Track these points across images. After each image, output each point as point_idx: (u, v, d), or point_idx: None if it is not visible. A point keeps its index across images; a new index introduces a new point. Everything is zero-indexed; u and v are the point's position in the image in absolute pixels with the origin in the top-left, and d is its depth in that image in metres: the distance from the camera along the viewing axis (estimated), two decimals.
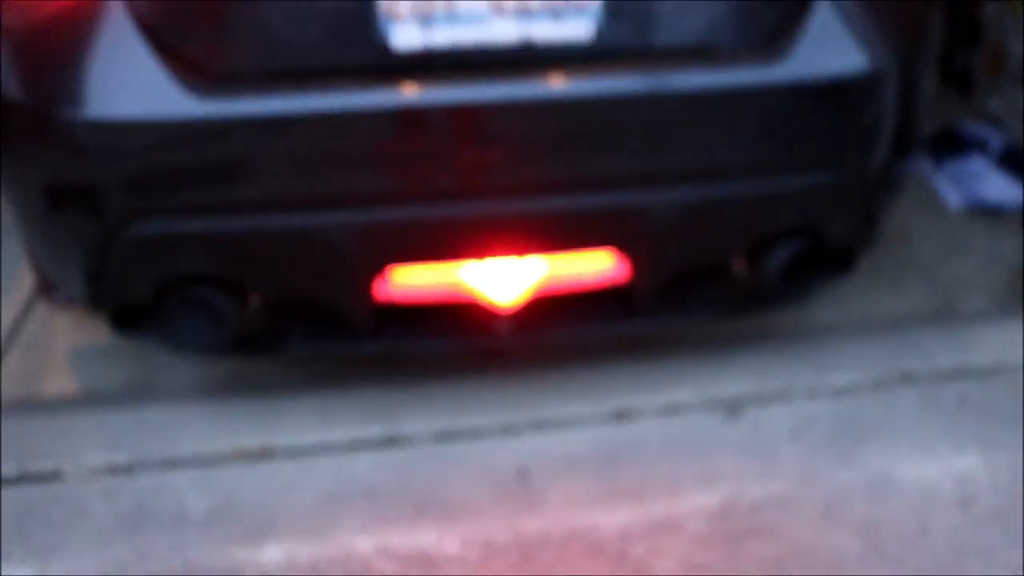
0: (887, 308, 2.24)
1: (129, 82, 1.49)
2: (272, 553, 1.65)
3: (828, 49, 1.60)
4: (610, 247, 1.68)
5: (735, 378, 2.00)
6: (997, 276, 2.38)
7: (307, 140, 1.52)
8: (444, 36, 1.50)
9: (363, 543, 1.67)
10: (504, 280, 1.73)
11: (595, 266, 1.75)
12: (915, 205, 2.66)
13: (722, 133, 1.61)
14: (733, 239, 1.74)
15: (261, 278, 1.67)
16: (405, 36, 1.50)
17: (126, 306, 1.77)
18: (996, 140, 2.85)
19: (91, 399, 2.03)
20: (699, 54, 1.57)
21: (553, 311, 1.79)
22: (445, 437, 1.88)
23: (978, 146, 2.84)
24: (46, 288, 2.07)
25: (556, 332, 1.81)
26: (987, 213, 2.66)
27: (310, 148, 1.53)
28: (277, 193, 1.56)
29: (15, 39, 1.58)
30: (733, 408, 1.94)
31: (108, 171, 1.56)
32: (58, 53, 1.52)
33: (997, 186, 2.72)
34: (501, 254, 1.65)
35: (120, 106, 1.51)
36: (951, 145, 2.88)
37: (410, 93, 1.52)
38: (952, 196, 2.72)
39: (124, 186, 1.56)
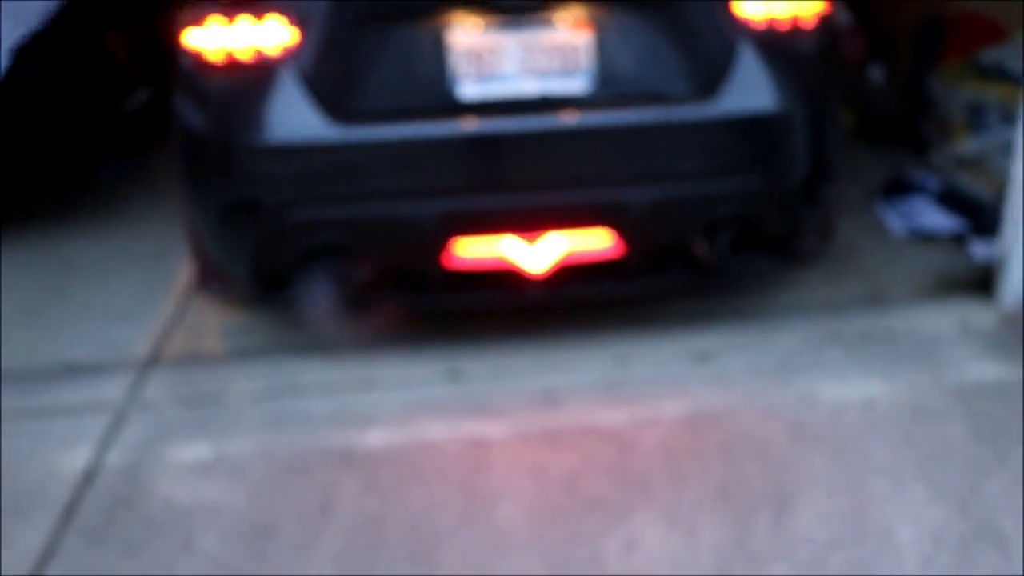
0: (830, 296, 3.07)
1: (292, 116, 2.43)
2: (374, 437, 2.48)
3: (747, 94, 2.48)
4: (605, 227, 2.56)
5: (706, 337, 2.82)
6: (922, 278, 3.18)
7: (405, 154, 2.45)
8: (492, 89, 2.44)
9: (435, 432, 2.49)
10: (535, 254, 2.60)
11: (599, 244, 2.60)
12: (865, 231, 3.52)
13: (676, 150, 2.51)
14: (690, 224, 2.60)
15: (371, 249, 2.57)
16: (466, 89, 2.44)
17: (275, 277, 2.66)
18: (935, 184, 3.68)
19: (236, 355, 2.93)
20: (658, 98, 2.48)
21: (570, 277, 2.64)
22: (493, 372, 2.72)
23: (921, 189, 3.67)
24: (204, 281, 2.98)
25: (572, 292, 2.66)
26: (924, 238, 3.47)
27: (407, 159, 2.46)
28: (384, 189, 2.49)
29: (209, 88, 2.53)
30: (704, 356, 2.75)
31: (275, 177, 2.49)
32: (246, 98, 2.47)
33: (934, 218, 3.53)
34: (531, 230, 2.54)
35: (285, 133, 2.45)
36: (900, 188, 3.71)
37: (469, 125, 2.45)
38: (897, 225, 3.54)
39: (285, 186, 2.49)
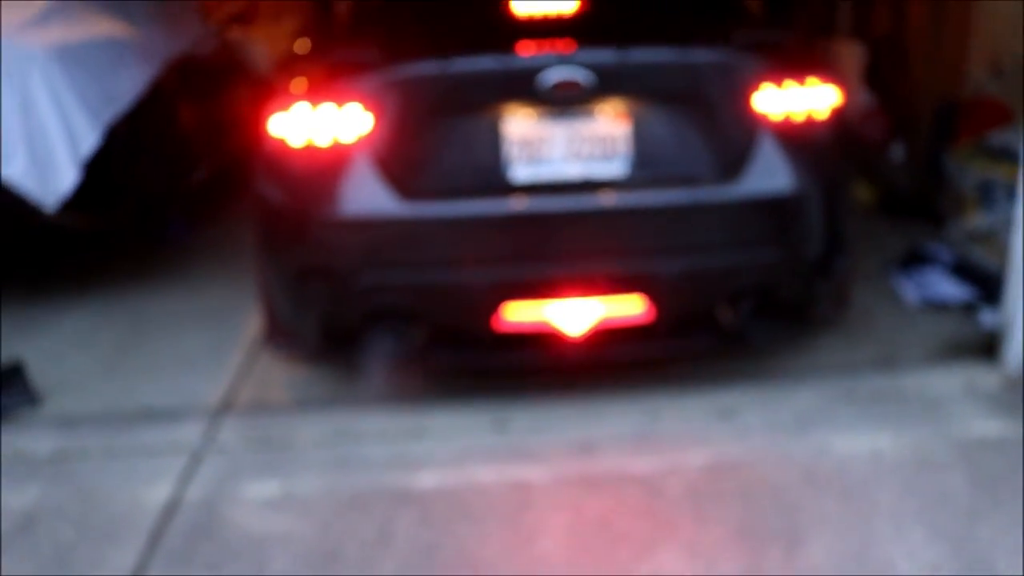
0: (845, 358, 3.38)
1: (364, 193, 2.83)
2: (427, 479, 2.81)
3: (766, 177, 2.84)
4: (638, 294, 2.90)
5: (730, 394, 3.14)
6: (932, 343, 3.48)
7: (462, 228, 2.83)
8: (540, 172, 2.83)
9: (482, 475, 2.81)
10: (575, 318, 2.94)
11: (632, 310, 2.94)
12: (881, 299, 3.83)
13: (703, 226, 2.87)
14: (715, 293, 2.94)
15: (429, 312, 2.93)
16: (519, 172, 2.83)
17: (339, 335, 3.03)
18: (948, 256, 3.99)
19: (300, 404, 3.29)
20: (687, 181, 2.86)
21: (606, 339, 2.97)
22: (535, 422, 3.04)
23: (935, 260, 3.98)
24: (272, 337, 3.35)
25: (607, 353, 3.00)
26: (936, 307, 3.77)
27: (464, 233, 2.84)
28: (443, 259, 2.86)
29: (290, 165, 2.91)
30: (726, 411, 3.06)
31: (346, 247, 2.88)
32: (324, 176, 2.86)
33: (946, 288, 3.83)
34: (572, 297, 2.89)
35: (357, 208, 2.84)
36: (915, 259, 4.03)
37: (520, 203, 2.83)
38: (911, 294, 3.85)
39: (355, 255, 2.87)
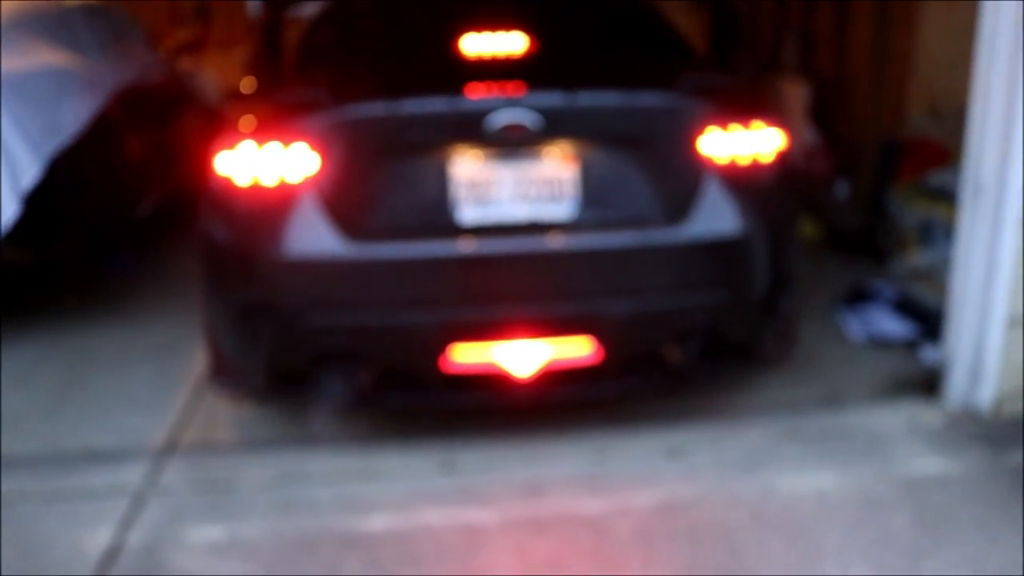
0: (791, 396, 3.42)
1: (310, 234, 2.80)
2: (375, 522, 2.77)
3: (712, 219, 2.88)
4: (586, 336, 2.91)
5: (678, 434, 3.16)
6: (876, 380, 3.55)
7: (410, 269, 2.82)
8: (487, 214, 2.83)
9: (431, 518, 2.78)
10: (523, 360, 2.94)
11: (579, 351, 2.95)
12: (826, 336, 3.90)
13: (650, 268, 2.89)
14: (662, 334, 2.96)
15: (376, 353, 2.91)
16: (466, 213, 2.83)
17: (286, 375, 2.99)
18: (892, 293, 4.08)
19: (247, 444, 3.23)
20: (634, 223, 2.87)
21: (554, 380, 2.97)
22: (483, 464, 3.03)
23: (879, 297, 4.06)
24: (218, 375, 3.30)
25: (555, 394, 3.00)
26: (880, 343, 3.84)
27: (411, 274, 2.82)
28: (390, 300, 2.84)
29: (236, 205, 2.89)
30: (675, 451, 3.07)
31: (293, 287, 2.85)
32: (270, 215, 2.83)
33: (889, 324, 3.91)
34: (520, 339, 2.88)
35: (303, 248, 2.82)
36: (860, 296, 4.11)
37: (467, 245, 2.83)
38: (856, 331, 3.92)
39: (301, 296, 2.85)
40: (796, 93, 5.59)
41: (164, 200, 5.62)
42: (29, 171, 3.85)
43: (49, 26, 4.64)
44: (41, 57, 4.35)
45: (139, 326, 4.32)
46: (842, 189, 5.24)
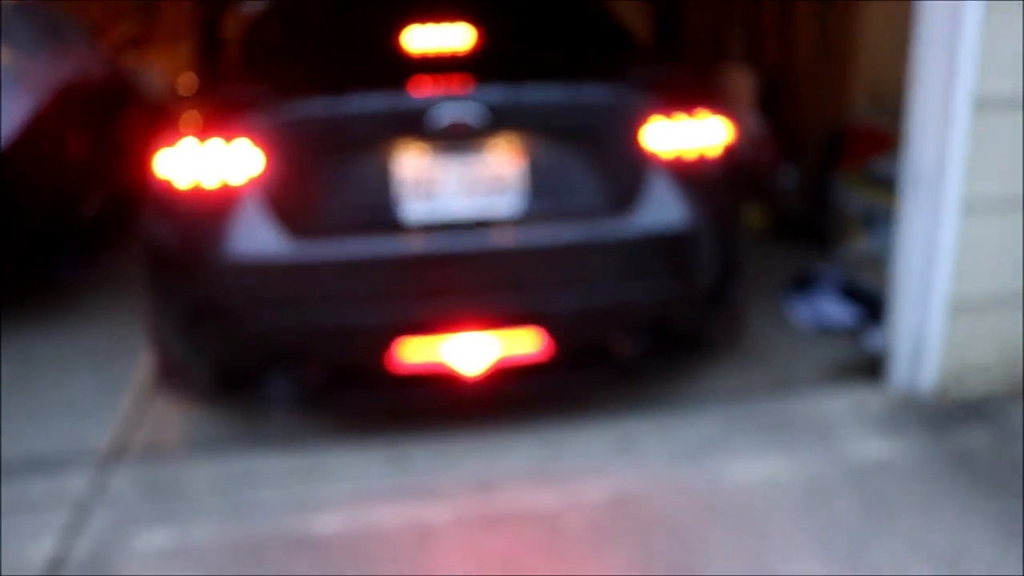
0: (740, 383, 3.45)
1: (254, 233, 2.75)
2: (325, 522, 2.74)
3: (658, 210, 2.88)
4: (534, 330, 2.90)
5: (627, 424, 3.16)
6: (822, 366, 3.59)
7: (355, 267, 2.78)
8: (432, 210, 2.80)
9: (381, 516, 2.76)
10: (471, 357, 2.92)
11: (528, 345, 2.94)
12: (773, 323, 3.94)
13: (597, 261, 2.88)
14: (610, 326, 2.96)
15: (324, 353, 2.87)
16: (411, 210, 2.80)
17: (233, 376, 2.94)
18: (837, 280, 4.12)
19: (194, 446, 3.18)
20: (579, 216, 2.86)
21: (503, 375, 2.96)
22: (434, 460, 3.01)
23: (824, 283, 4.11)
24: (165, 377, 3.24)
25: (504, 389, 2.98)
26: (827, 329, 3.88)
27: (357, 272, 2.79)
28: (336, 299, 2.80)
29: (178, 204, 2.83)
30: (625, 441, 3.08)
31: (238, 288, 2.80)
32: (213, 215, 2.78)
33: (835, 311, 3.96)
34: (469, 330, 2.86)
35: (247, 248, 2.77)
36: (805, 282, 4.15)
37: (413, 242, 2.80)
38: (802, 317, 3.96)
39: (246, 296, 2.80)
40: (742, 82, 5.62)
41: (108, 199, 5.50)
42: None
43: None
44: None
45: (83, 329, 4.22)
46: (788, 177, 5.29)
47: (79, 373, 3.76)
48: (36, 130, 4.38)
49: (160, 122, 6.45)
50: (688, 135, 2.95)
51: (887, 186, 4.06)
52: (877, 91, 4.55)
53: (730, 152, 3.09)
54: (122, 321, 4.23)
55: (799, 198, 5.04)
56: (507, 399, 3.16)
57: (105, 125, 5.70)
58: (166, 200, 2.84)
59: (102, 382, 3.66)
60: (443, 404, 3.15)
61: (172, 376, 3.13)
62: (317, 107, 2.79)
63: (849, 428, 3.15)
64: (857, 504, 2.75)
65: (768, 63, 5.81)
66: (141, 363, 3.72)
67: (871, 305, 3.89)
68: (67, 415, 3.43)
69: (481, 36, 3.17)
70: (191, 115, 2.97)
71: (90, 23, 6.31)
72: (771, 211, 5.08)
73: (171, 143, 2.80)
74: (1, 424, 3.38)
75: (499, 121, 2.78)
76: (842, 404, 3.29)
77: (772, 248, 4.81)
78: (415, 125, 2.75)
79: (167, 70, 7.20)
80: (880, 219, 4.07)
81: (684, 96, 3.05)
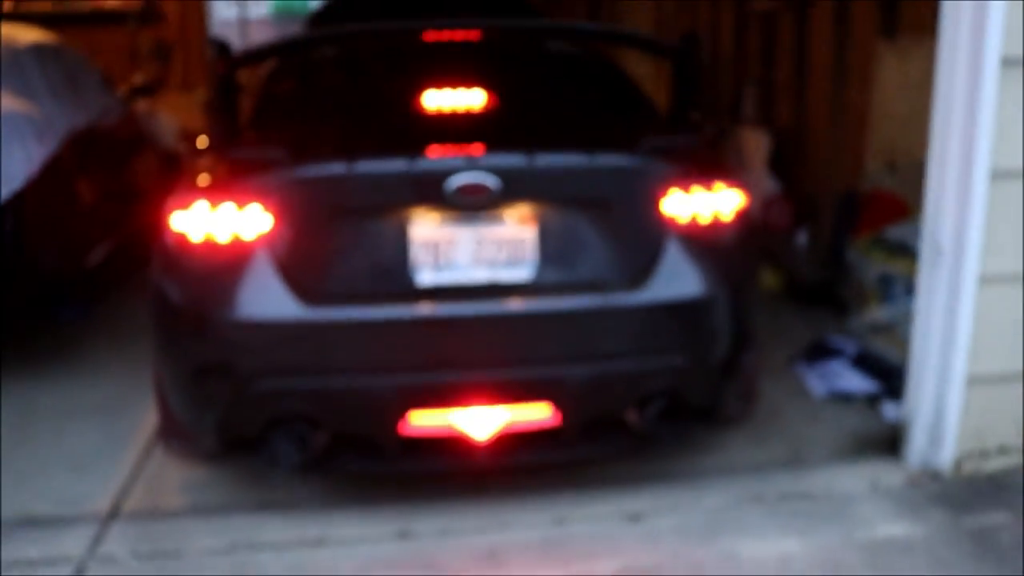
0: (753, 457, 3.39)
1: (265, 296, 2.74)
2: None
3: (673, 282, 2.86)
4: (545, 401, 2.86)
5: (638, 498, 3.11)
6: (837, 438, 3.53)
7: (366, 334, 2.76)
8: (446, 277, 2.79)
9: None
10: (481, 424, 2.88)
11: (539, 415, 2.90)
12: (787, 393, 3.89)
13: (610, 332, 2.86)
14: (622, 398, 2.92)
15: (331, 418, 2.83)
16: (424, 276, 2.78)
17: (238, 438, 2.90)
18: (852, 348, 4.09)
19: (195, 510, 3.13)
20: (594, 287, 2.84)
21: (513, 444, 2.91)
22: (440, 531, 2.95)
23: (839, 352, 4.06)
24: (167, 436, 3.20)
25: (514, 458, 2.94)
26: (842, 399, 3.83)
27: (368, 338, 2.77)
28: (346, 365, 2.77)
29: (189, 265, 2.82)
30: (635, 516, 3.02)
31: (245, 350, 2.77)
32: (223, 277, 2.77)
33: (850, 380, 3.91)
34: (478, 403, 2.83)
35: (257, 311, 2.75)
36: (820, 351, 4.11)
37: (425, 309, 2.78)
38: (817, 386, 3.91)
39: (254, 359, 2.77)
40: (756, 143, 5.64)
41: (117, 246, 5.50)
42: None
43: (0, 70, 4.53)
44: None
45: (86, 380, 4.19)
46: (801, 239, 5.28)
47: (81, 427, 3.72)
48: (48, 177, 4.38)
49: (171, 171, 6.52)
50: (704, 205, 2.94)
51: (903, 253, 4.05)
52: (892, 155, 4.55)
53: (745, 221, 3.07)
54: (126, 373, 4.20)
55: (813, 262, 5.02)
56: (516, 468, 3.11)
57: (116, 171, 5.72)
58: (177, 259, 2.83)
59: (104, 437, 3.62)
60: (450, 471, 3.10)
61: (176, 435, 3.09)
62: (331, 170, 2.78)
63: (866, 505, 3.09)
64: None
65: (782, 124, 5.83)
66: (145, 418, 3.68)
67: (887, 375, 3.84)
68: (67, 471, 3.38)
69: (497, 100, 3.18)
70: (204, 173, 2.97)
71: (106, 68, 6.37)
72: (784, 274, 5.06)
73: (184, 203, 2.79)
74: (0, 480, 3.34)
75: (514, 188, 2.77)
76: (859, 479, 3.23)
77: (784, 312, 4.77)
78: (429, 190, 2.75)
79: (180, 117, 7.25)
80: (897, 286, 4.04)
81: (701, 166, 3.05)
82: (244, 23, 11.25)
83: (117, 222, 5.54)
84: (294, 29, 11.65)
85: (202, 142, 3.50)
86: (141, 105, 6.58)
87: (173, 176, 7.44)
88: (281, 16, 11.30)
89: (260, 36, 11.30)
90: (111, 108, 5.84)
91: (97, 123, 5.41)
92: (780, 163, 5.63)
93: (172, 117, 7.16)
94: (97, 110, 5.52)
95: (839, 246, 4.71)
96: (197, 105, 8.81)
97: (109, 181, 5.46)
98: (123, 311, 5.16)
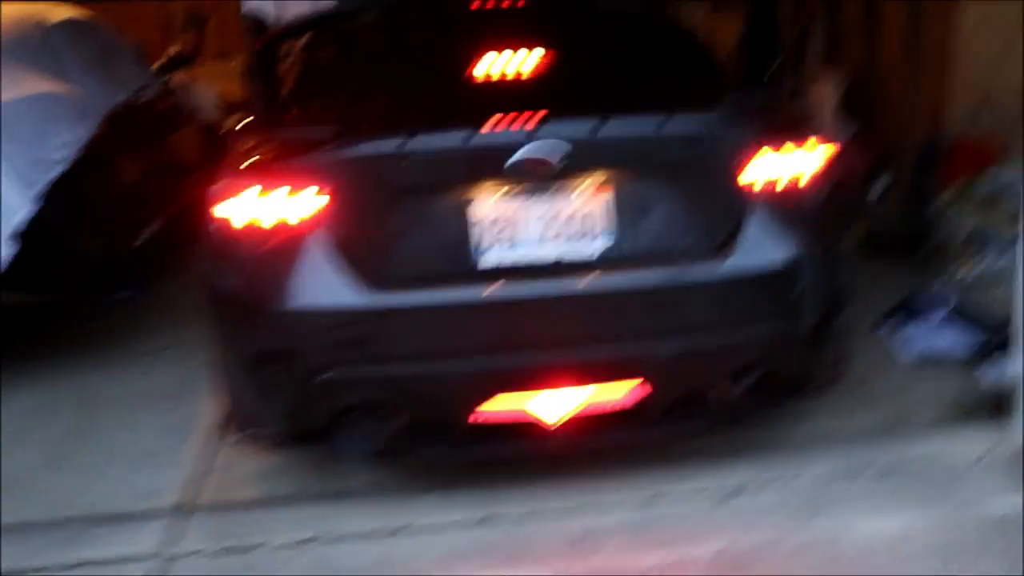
0: (846, 427, 3.27)
1: (325, 283, 2.64)
2: None
3: (757, 250, 2.71)
4: (626, 380, 2.74)
5: (732, 474, 3.00)
6: (937, 405, 3.39)
7: (432, 318, 2.66)
8: (514, 255, 2.67)
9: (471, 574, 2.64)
10: (558, 406, 2.77)
11: (620, 395, 2.78)
12: (874, 356, 3.73)
13: (692, 307, 2.73)
14: (709, 374, 2.80)
15: (400, 405, 2.75)
16: (491, 255, 2.67)
17: (306, 428, 2.84)
18: (943, 307, 3.91)
19: (270, 501, 3.07)
20: (673, 259, 2.70)
21: (594, 425, 2.81)
22: (526, 516, 2.87)
23: (928, 312, 3.90)
24: (236, 427, 3.15)
25: (595, 440, 2.85)
26: (934, 362, 3.68)
27: (434, 323, 2.67)
28: (412, 351, 2.68)
29: (243, 253, 2.73)
30: (731, 493, 2.92)
31: (311, 340, 2.69)
32: (280, 264, 2.67)
33: (944, 342, 3.75)
34: (555, 386, 2.72)
35: (318, 298, 2.66)
36: (908, 312, 3.94)
37: (494, 289, 2.66)
38: (907, 350, 3.75)
39: (320, 349, 2.69)
40: (825, 87, 5.41)
41: (166, 220, 5.47)
42: (20, 211, 3.70)
43: (33, 51, 4.45)
44: (26, 86, 4.16)
45: (144, 367, 4.16)
46: (877, 189, 5.08)
47: (142, 415, 3.69)
48: (90, 157, 4.33)
49: (213, 143, 6.43)
50: (788, 164, 2.78)
51: (999, 203, 3.86)
52: (981, 98, 4.33)
53: (831, 177, 2.92)
54: (182, 358, 4.17)
55: (893, 213, 4.83)
56: (600, 450, 3.02)
57: (157, 147, 5.67)
58: (232, 248, 2.74)
59: (168, 425, 3.59)
60: (531, 456, 3.01)
61: (243, 425, 3.05)
62: (387, 147, 2.65)
63: (975, 477, 2.95)
64: (996, 567, 2.56)
65: (852, 65, 5.60)
66: (207, 405, 3.65)
67: (980, 335, 3.68)
68: (133, 463, 3.35)
69: (558, 66, 3.02)
70: (253, 157, 2.87)
71: (139, 41, 6.29)
72: (862, 227, 4.87)
73: (236, 188, 2.69)
74: (67, 472, 3.32)
75: (583, 157, 2.63)
76: (964, 449, 3.08)
77: (864, 268, 4.59)
78: (492, 164, 2.61)
79: (218, 86, 7.16)
80: (991, 240, 3.86)
81: (782, 122, 2.90)
82: None
83: (162, 200, 5.50)
84: None
85: (243, 121, 3.39)
86: (178, 77, 6.51)
87: (215, 149, 7.39)
88: None
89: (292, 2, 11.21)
90: (148, 83, 5.77)
91: (135, 99, 5.35)
92: (851, 109, 5.41)
93: (211, 87, 7.07)
94: (134, 86, 5.45)
95: (922, 197, 4.52)
96: (235, 74, 8.72)
97: (151, 158, 5.40)
98: (172, 291, 5.12)
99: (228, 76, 8.06)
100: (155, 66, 6.20)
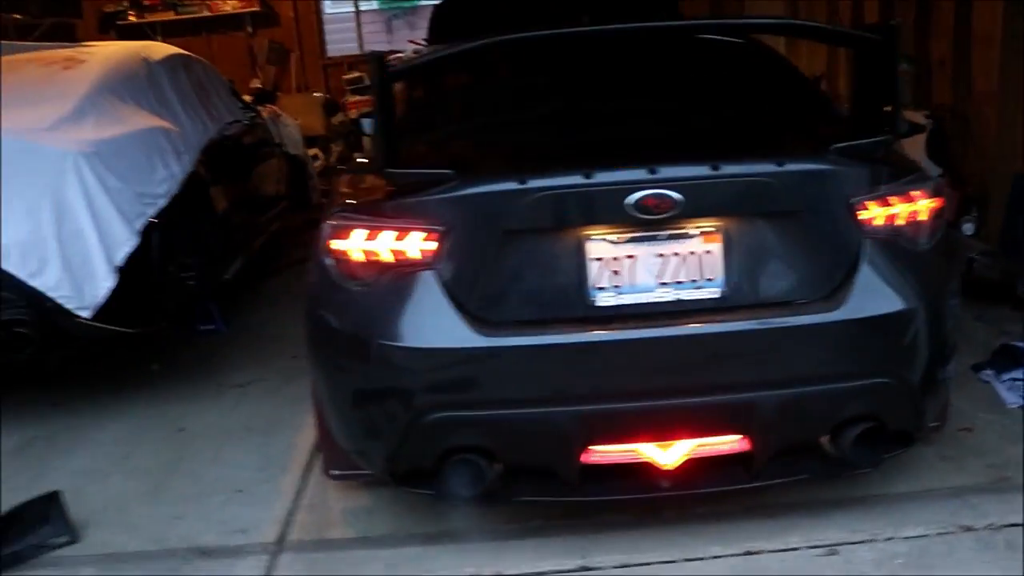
0: (951, 480, 3.15)
1: (436, 324, 2.65)
2: None
3: (872, 296, 2.65)
4: (735, 429, 2.70)
5: (832, 528, 2.91)
6: None
7: (544, 362, 2.64)
8: (627, 298, 2.65)
9: None
10: (665, 454, 2.73)
11: (728, 443, 2.73)
12: (978, 407, 3.61)
13: (805, 354, 2.66)
14: (819, 423, 2.73)
15: (508, 450, 2.73)
16: (603, 298, 2.65)
17: (411, 470, 2.83)
18: None
19: (363, 541, 3.07)
20: (786, 304, 2.66)
21: (699, 469, 2.77)
22: (622, 564, 2.82)
23: None
24: (331, 462, 3.16)
25: (700, 485, 2.79)
26: None
27: (546, 367, 2.64)
28: (522, 395, 2.66)
29: (351, 292, 2.74)
30: (831, 549, 2.83)
31: (420, 381, 2.68)
32: (390, 304, 2.68)
33: None
34: (664, 433, 2.69)
35: (428, 340, 2.66)
36: (1010, 357, 3.81)
37: (606, 333, 2.63)
38: (1011, 397, 3.63)
39: (429, 390, 2.68)
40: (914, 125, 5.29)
41: (253, 252, 5.56)
42: (125, 244, 3.79)
43: (138, 87, 4.58)
44: (133, 122, 4.28)
45: (232, 400, 4.22)
46: (967, 229, 4.95)
47: (236, 449, 3.73)
48: (187, 190, 4.42)
49: (298, 177, 6.49)
50: (901, 209, 2.72)
51: None
52: None
53: (943, 221, 2.85)
54: (272, 391, 4.22)
55: (988, 254, 4.68)
56: (702, 497, 2.96)
57: (247, 180, 5.78)
58: (344, 284, 2.75)
59: (261, 459, 3.62)
60: (632, 502, 2.97)
61: (342, 463, 3.05)
62: (503, 187, 2.65)
63: None
64: None
65: (939, 104, 5.48)
66: (298, 439, 3.68)
67: None
68: (227, 495, 3.38)
69: (669, 107, 3.01)
70: (365, 192, 2.89)
71: (228, 75, 6.43)
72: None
73: (349, 227, 2.72)
74: (162, 503, 3.37)
75: (698, 200, 2.60)
76: None
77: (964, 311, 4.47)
78: (607, 206, 2.60)
79: (299, 119, 7.30)
80: None
81: (895, 166, 2.83)
82: (352, 16, 11.33)
83: (248, 232, 5.60)
84: (404, 20, 11.75)
85: (358, 160, 3.42)
86: (264, 110, 6.64)
87: (301, 183, 7.48)
88: (390, 6, 11.35)
89: (372, 28, 11.46)
90: (239, 117, 5.89)
91: (227, 132, 5.47)
92: (938, 147, 5.29)
93: (293, 120, 7.21)
94: (227, 119, 5.57)
95: (1017, 237, 4.38)
96: (315, 106, 8.91)
97: (239, 191, 5.51)
98: (259, 322, 5.21)
99: (309, 109, 8.26)
100: (246, 98, 6.34)
